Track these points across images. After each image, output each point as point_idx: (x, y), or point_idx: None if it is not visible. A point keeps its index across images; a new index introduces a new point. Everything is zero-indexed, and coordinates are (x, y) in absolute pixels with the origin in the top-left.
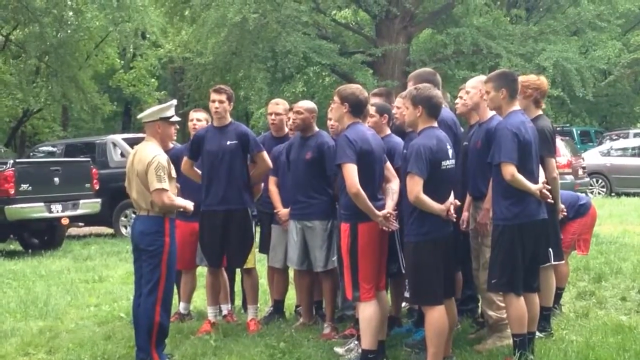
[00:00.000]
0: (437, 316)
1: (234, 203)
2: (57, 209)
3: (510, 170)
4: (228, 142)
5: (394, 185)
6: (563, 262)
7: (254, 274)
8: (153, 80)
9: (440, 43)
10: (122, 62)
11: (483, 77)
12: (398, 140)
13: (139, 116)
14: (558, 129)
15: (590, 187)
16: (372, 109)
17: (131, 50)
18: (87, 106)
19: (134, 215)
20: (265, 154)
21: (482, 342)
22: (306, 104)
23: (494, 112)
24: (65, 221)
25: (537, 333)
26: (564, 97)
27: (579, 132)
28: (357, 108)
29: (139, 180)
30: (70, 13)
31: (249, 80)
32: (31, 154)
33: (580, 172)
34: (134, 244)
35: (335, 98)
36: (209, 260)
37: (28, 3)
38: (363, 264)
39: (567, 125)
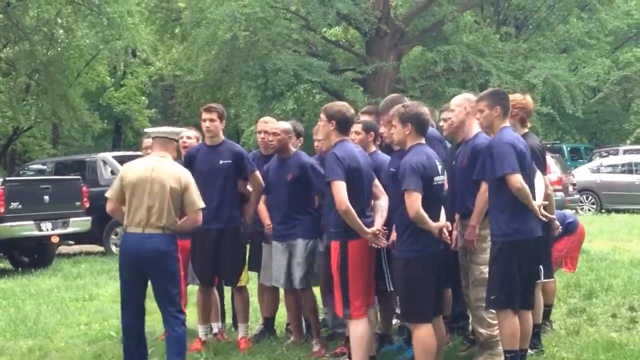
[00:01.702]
0: (424, 334)
1: (226, 221)
2: (47, 227)
3: (518, 180)
4: (221, 162)
5: (382, 202)
6: (552, 279)
7: (245, 292)
8: (143, 98)
9: (431, 60)
10: (113, 80)
11: (467, 95)
12: (385, 157)
13: (160, 129)
14: (548, 146)
15: (581, 204)
16: (357, 127)
17: (122, 68)
18: (78, 124)
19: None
20: (258, 173)
21: (474, 359)
22: (282, 125)
23: (478, 130)
24: (55, 239)
25: (529, 350)
26: (553, 114)
27: (569, 149)
28: (344, 125)
29: (170, 197)
30: (61, 31)
31: (240, 97)
32: (21, 172)
33: (571, 189)
34: (143, 263)
35: (322, 116)
36: (200, 279)
37: (18, 21)
38: (353, 281)
39: (557, 142)
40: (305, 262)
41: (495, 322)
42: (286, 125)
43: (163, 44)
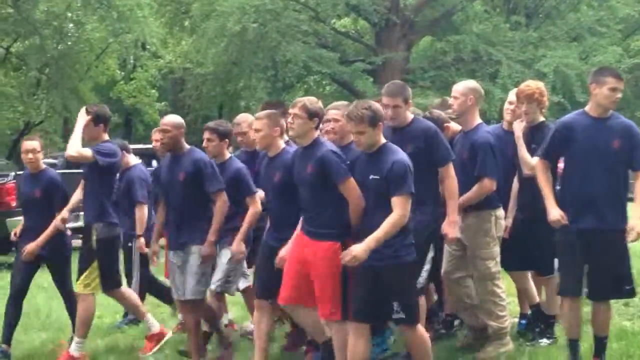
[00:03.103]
0: (424, 332)
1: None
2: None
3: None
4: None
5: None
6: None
7: (84, 301)
8: (153, 91)
9: (440, 50)
10: (123, 73)
11: (473, 84)
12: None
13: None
14: None
15: None
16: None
17: (131, 61)
18: None
19: None
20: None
21: (482, 349)
22: (172, 120)
23: (479, 121)
24: (67, 233)
25: (545, 340)
26: (564, 103)
27: None
28: (319, 122)
29: None
30: (71, 25)
31: (250, 90)
32: None
33: None
34: None
35: (301, 113)
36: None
37: (28, 15)
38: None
39: None
40: (199, 271)
41: (504, 313)
42: (177, 119)
43: (172, 37)
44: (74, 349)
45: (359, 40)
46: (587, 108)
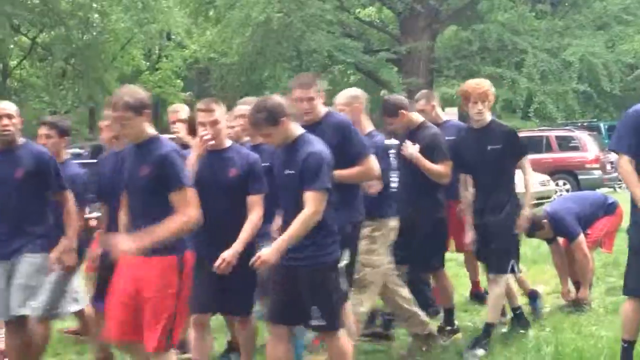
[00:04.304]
0: (346, 342)
1: None
2: (85, 210)
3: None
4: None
5: None
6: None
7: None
8: (178, 81)
9: (465, 40)
10: (148, 63)
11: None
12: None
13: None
14: (585, 124)
15: (619, 182)
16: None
17: (156, 51)
18: None
19: None
20: None
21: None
22: (6, 107)
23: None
24: (93, 222)
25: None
26: (590, 92)
27: (606, 126)
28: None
29: None
30: (96, 15)
31: (274, 79)
32: None
33: (609, 167)
34: None
35: (126, 113)
36: None
37: (54, 6)
38: None
39: (595, 120)
40: (31, 284)
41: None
42: (9, 105)
43: (197, 27)
44: None
45: (384, 29)
46: None
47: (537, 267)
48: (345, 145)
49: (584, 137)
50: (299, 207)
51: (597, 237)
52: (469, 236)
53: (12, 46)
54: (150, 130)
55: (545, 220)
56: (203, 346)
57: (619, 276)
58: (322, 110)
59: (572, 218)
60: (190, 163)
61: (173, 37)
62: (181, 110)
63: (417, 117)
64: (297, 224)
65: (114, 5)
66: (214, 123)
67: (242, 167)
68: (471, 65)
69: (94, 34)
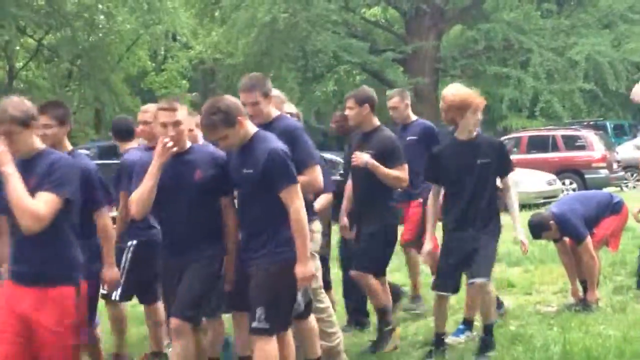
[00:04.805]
0: (274, 347)
1: None
2: None
3: None
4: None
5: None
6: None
7: None
8: (184, 81)
9: (471, 39)
10: (153, 64)
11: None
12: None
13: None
14: (591, 123)
15: (625, 181)
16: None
17: (162, 52)
18: (120, 109)
19: None
20: None
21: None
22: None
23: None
24: None
25: None
26: (597, 90)
27: (612, 125)
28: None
29: None
30: (102, 16)
31: (280, 80)
32: None
33: (615, 165)
34: None
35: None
36: None
37: (59, 7)
38: None
39: (601, 119)
40: None
41: (332, 330)
42: None
43: (203, 28)
44: None
45: (389, 29)
46: None
47: (544, 266)
48: (291, 151)
49: (590, 136)
50: (254, 204)
51: (603, 236)
52: (427, 246)
53: (18, 48)
54: (39, 143)
55: (552, 222)
56: (185, 355)
57: (626, 275)
58: (272, 113)
59: (579, 220)
60: (152, 173)
61: (179, 38)
62: (151, 111)
63: (374, 120)
64: (296, 225)
65: (119, 6)
66: (177, 124)
67: (205, 168)
68: (477, 64)
69: (100, 35)
